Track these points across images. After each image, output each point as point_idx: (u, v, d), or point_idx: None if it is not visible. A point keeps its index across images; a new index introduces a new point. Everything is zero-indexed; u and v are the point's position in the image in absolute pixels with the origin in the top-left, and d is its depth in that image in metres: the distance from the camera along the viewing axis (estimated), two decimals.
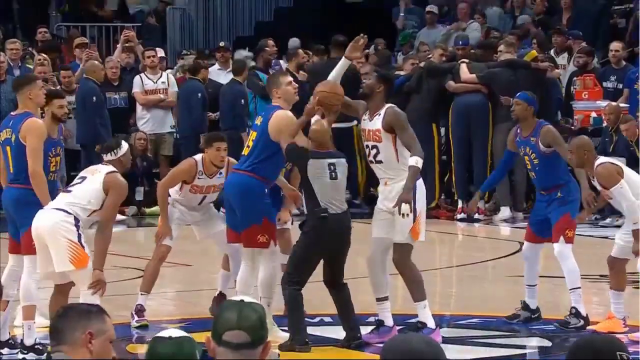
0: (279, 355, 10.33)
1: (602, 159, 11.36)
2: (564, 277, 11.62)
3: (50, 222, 10.18)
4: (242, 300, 4.67)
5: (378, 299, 11.15)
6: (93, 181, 10.38)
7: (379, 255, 11.09)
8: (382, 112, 11.07)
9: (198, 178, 11.60)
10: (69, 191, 10.39)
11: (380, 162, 11.07)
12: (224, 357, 4.54)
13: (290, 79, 11.47)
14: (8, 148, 10.72)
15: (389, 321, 11.09)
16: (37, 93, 10.88)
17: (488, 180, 13.08)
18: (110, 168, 10.50)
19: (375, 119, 11.06)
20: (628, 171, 11.27)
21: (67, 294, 10.44)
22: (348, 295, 10.75)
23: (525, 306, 11.79)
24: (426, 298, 11.02)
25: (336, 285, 10.83)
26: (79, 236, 10.19)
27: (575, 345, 5.02)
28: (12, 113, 11.02)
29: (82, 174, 10.63)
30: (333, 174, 10.65)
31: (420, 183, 11.08)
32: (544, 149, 11.54)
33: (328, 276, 10.82)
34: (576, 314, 11.59)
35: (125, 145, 10.82)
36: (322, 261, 10.75)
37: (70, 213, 10.22)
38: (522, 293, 11.80)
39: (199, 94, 18.84)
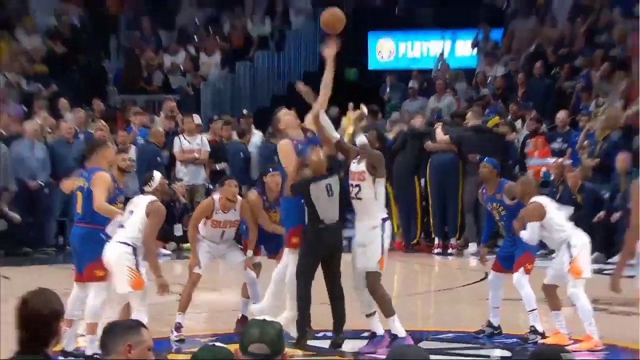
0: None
1: (538, 198, 11.43)
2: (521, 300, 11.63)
3: (114, 254, 10.30)
4: (264, 320, 4.69)
5: (367, 315, 11.14)
6: (138, 211, 10.44)
7: (361, 280, 11.11)
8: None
9: (216, 213, 11.55)
10: (123, 227, 10.46)
11: (360, 199, 11.11)
12: None
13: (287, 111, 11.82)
14: (79, 193, 10.74)
15: (380, 331, 11.09)
16: (109, 152, 10.97)
17: (484, 235, 13.01)
18: (150, 197, 10.55)
19: (361, 162, 11.15)
20: (552, 214, 11.32)
21: (129, 310, 10.48)
22: (342, 302, 10.90)
23: (489, 324, 11.79)
24: (395, 313, 11.04)
25: (334, 297, 10.90)
26: (136, 263, 10.25)
27: (532, 353, 5.06)
28: (86, 166, 11.05)
29: (129, 207, 10.66)
30: (330, 192, 10.78)
31: (387, 224, 11.17)
32: (509, 202, 11.61)
33: (328, 284, 10.91)
34: (534, 331, 11.57)
35: (157, 176, 10.90)
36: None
37: (129, 244, 10.29)
38: (488, 313, 11.80)
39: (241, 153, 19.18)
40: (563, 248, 11.22)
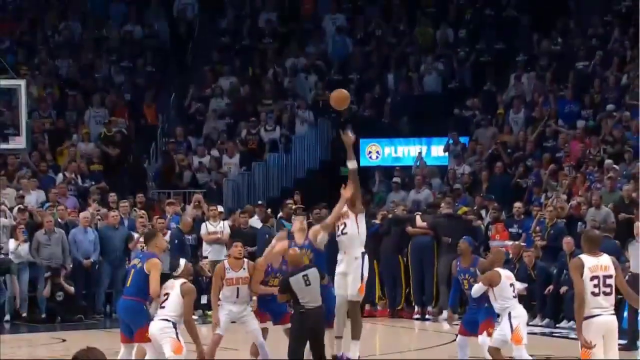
0: None
1: (500, 269, 11.48)
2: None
3: (158, 329, 10.40)
4: None
5: (337, 337, 11.12)
6: (174, 294, 10.44)
7: (343, 306, 11.13)
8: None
9: (228, 272, 11.50)
10: (164, 307, 10.47)
11: (345, 234, 11.14)
12: None
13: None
14: (132, 270, 10.76)
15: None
16: (161, 242, 11.07)
17: (452, 300, 12.96)
18: (182, 280, 10.57)
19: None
20: (503, 286, 11.32)
21: None
22: None
23: None
24: (360, 338, 11.02)
25: (317, 357, 10.75)
26: (177, 334, 10.29)
27: None
28: (144, 250, 11.17)
29: (164, 290, 10.62)
30: (307, 282, 10.61)
31: (366, 257, 11.22)
32: (479, 274, 11.64)
33: (314, 355, 10.73)
34: None
35: (182, 262, 10.93)
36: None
37: (169, 320, 10.32)
38: None
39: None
40: (505, 318, 11.19)
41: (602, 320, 9.06)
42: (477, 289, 11.37)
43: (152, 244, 10.89)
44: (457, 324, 12.34)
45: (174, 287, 10.51)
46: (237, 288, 11.49)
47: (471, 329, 11.73)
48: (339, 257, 11.31)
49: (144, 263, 10.61)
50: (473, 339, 11.66)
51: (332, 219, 11.50)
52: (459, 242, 12.35)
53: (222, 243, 19.02)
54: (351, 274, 11.04)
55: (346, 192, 11.56)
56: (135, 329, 10.56)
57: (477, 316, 11.66)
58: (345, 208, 11.29)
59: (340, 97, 11.95)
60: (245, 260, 11.64)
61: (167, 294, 10.51)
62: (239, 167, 24.37)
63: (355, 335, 11.09)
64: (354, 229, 11.22)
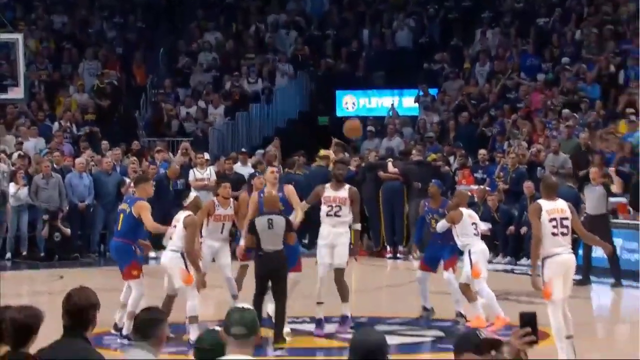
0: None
1: (464, 209, 11.49)
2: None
3: (168, 259, 10.53)
4: (243, 307, 4.58)
5: (319, 302, 11.03)
6: (179, 226, 10.50)
7: (327, 275, 11.11)
8: (347, 187, 11.16)
9: (216, 209, 11.55)
10: (171, 238, 10.57)
11: (339, 216, 11.08)
12: (231, 344, 4.45)
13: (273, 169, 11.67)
14: (122, 215, 10.74)
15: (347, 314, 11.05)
16: (149, 187, 11.02)
17: (417, 237, 12.98)
18: (187, 212, 10.58)
19: (342, 191, 11.11)
20: (465, 224, 11.30)
21: (173, 300, 10.43)
22: (282, 308, 10.46)
23: (424, 308, 11.74)
24: (348, 299, 10.99)
25: (277, 312, 10.54)
26: (186, 264, 10.32)
27: (458, 335, 5.01)
28: (131, 195, 11.11)
29: (173, 222, 10.69)
30: (270, 225, 10.42)
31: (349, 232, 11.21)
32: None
33: (275, 298, 10.56)
34: (460, 315, 11.53)
35: (191, 195, 11.01)
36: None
37: (177, 251, 10.32)
38: (421, 302, 11.78)
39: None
40: (466, 255, 11.20)
41: (562, 259, 9.14)
42: (441, 225, 11.47)
43: (141, 187, 10.89)
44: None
45: (180, 219, 10.56)
46: (223, 224, 11.55)
47: (431, 264, 11.79)
48: (324, 231, 11.14)
49: (132, 207, 10.61)
50: (434, 274, 11.72)
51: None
52: (429, 185, 12.36)
53: (209, 189, 18.98)
54: (338, 245, 10.99)
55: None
56: (121, 267, 10.59)
57: (439, 253, 11.69)
58: (345, 194, 11.18)
59: (353, 127, 12.02)
60: (232, 200, 11.72)
61: (175, 225, 10.62)
62: (223, 117, 24.29)
63: (344, 298, 11.07)
64: (346, 214, 11.19)
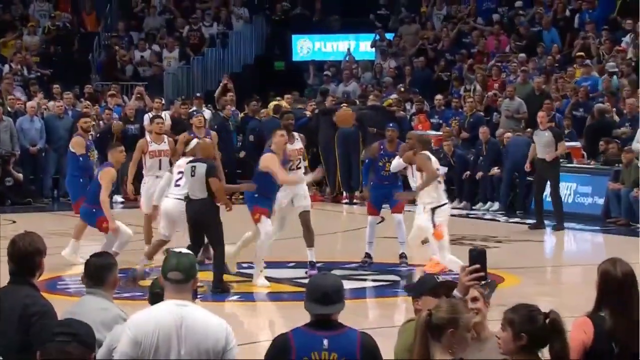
0: None
1: (426, 152, 11.14)
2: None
3: (173, 206, 10.76)
4: (180, 251, 4.50)
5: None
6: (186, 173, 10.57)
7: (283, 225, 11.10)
8: (297, 136, 11.15)
9: (150, 145, 11.73)
10: (178, 185, 10.53)
11: (299, 168, 11.07)
12: (168, 289, 4.38)
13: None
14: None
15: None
16: (117, 155, 11.14)
17: (365, 180, 12.87)
18: (188, 158, 10.69)
19: (295, 142, 11.08)
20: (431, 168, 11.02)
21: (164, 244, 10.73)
22: (217, 255, 10.37)
23: (367, 255, 11.75)
24: (314, 245, 10.99)
25: (212, 248, 10.47)
26: None
27: (416, 278, 5.00)
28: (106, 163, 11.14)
29: (178, 169, 10.93)
30: (192, 172, 10.29)
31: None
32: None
33: (210, 242, 10.49)
34: (405, 256, 11.56)
35: (193, 142, 11.00)
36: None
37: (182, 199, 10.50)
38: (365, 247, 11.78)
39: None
40: (429, 211, 10.65)
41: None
42: (396, 164, 11.39)
43: (110, 154, 10.96)
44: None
45: (181, 165, 10.56)
46: (160, 160, 11.51)
47: (378, 206, 11.86)
48: (282, 192, 11.04)
49: (100, 172, 10.72)
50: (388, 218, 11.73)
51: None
52: (388, 128, 12.29)
53: (164, 133, 18.80)
54: (300, 191, 10.98)
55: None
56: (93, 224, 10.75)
57: (385, 191, 11.61)
58: (300, 145, 11.12)
59: (345, 117, 11.83)
60: (166, 136, 11.79)
61: (180, 172, 10.54)
62: (178, 61, 24.02)
63: (310, 243, 11.04)
64: (304, 165, 11.22)
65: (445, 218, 10.67)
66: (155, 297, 4.76)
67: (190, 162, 10.43)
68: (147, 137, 12.02)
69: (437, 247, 10.55)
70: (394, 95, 19.82)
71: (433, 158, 10.97)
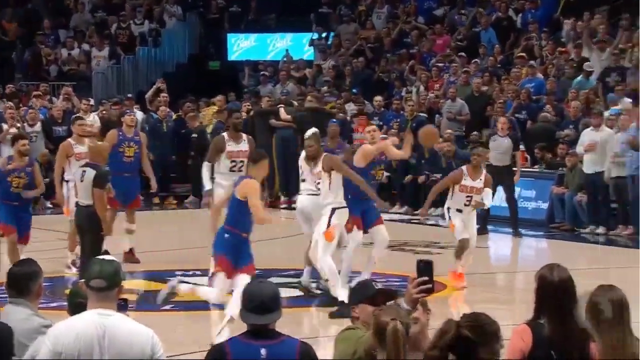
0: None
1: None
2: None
3: None
4: (103, 259, 4.49)
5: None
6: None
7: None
8: (244, 137, 11.13)
9: (74, 148, 11.88)
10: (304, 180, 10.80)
11: (241, 170, 11.07)
12: (91, 298, 4.37)
13: None
14: None
15: None
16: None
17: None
18: None
19: (242, 142, 11.10)
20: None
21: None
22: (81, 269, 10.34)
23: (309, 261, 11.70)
24: None
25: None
26: None
27: (353, 286, 5.03)
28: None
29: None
30: (82, 178, 10.30)
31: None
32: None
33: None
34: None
35: None
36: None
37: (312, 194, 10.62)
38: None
39: None
40: (329, 210, 10.26)
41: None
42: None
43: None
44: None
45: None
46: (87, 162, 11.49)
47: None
48: (227, 185, 11.03)
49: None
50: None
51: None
52: (330, 124, 12.34)
53: (93, 136, 18.64)
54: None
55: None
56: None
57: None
58: (247, 146, 11.17)
59: (429, 134, 11.53)
60: (88, 139, 11.98)
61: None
62: (108, 60, 23.82)
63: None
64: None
65: (342, 222, 10.32)
66: (77, 307, 4.71)
67: (83, 166, 10.43)
68: (71, 139, 11.95)
69: (321, 246, 10.14)
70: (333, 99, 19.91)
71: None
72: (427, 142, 12.09)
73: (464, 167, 11.42)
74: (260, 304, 4.38)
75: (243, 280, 8.27)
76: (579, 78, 18.02)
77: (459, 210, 11.28)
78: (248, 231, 8.65)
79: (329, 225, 10.10)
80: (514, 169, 15.16)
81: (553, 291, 4.54)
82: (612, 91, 17.25)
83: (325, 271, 10.02)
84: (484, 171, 11.53)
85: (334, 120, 12.65)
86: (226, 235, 8.60)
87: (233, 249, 8.59)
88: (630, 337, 4.52)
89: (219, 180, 11.13)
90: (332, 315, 9.65)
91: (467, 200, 11.26)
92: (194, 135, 18.70)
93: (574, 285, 4.61)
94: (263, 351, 4.32)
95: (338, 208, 10.19)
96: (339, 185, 10.17)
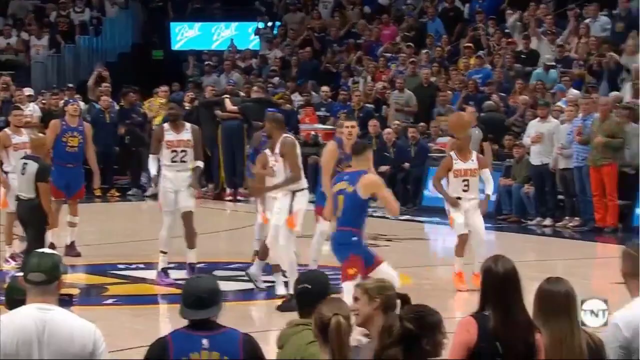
0: None
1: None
2: None
3: None
4: (43, 251, 4.47)
5: (162, 252, 10.96)
6: None
7: (173, 221, 11.00)
8: (188, 127, 10.97)
9: (12, 138, 11.76)
10: None
11: (185, 162, 11.00)
12: (30, 292, 4.34)
13: None
14: None
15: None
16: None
17: (249, 172, 12.77)
18: None
19: (183, 131, 11.03)
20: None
21: None
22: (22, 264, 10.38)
23: (256, 253, 11.71)
24: (195, 246, 10.91)
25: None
26: None
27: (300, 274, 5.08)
28: None
29: None
30: (23, 171, 10.23)
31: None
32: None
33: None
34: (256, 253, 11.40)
35: None
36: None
37: None
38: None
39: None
40: (288, 194, 10.07)
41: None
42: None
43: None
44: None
45: None
46: (25, 153, 11.37)
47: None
48: (169, 176, 10.96)
49: None
50: None
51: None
52: (268, 112, 12.27)
53: (32, 127, 18.45)
54: (184, 190, 10.88)
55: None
56: None
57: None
58: (188, 136, 11.07)
59: (459, 123, 11.09)
60: (26, 129, 12.04)
61: None
62: (47, 49, 23.57)
63: (191, 245, 10.97)
64: (192, 160, 11.16)
65: (303, 206, 10.12)
66: (15, 303, 4.64)
67: (24, 158, 10.34)
68: (7, 130, 11.85)
69: (282, 234, 9.94)
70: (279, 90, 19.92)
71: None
72: (458, 130, 11.29)
73: (451, 152, 11.05)
74: (197, 299, 4.44)
75: (384, 268, 8.50)
76: (538, 70, 18.12)
77: (459, 198, 10.85)
78: (361, 228, 8.64)
79: (291, 211, 9.94)
80: None
81: (498, 283, 4.59)
82: (559, 82, 17.44)
83: (284, 261, 9.94)
84: (475, 152, 11.22)
85: (272, 109, 12.60)
86: (354, 238, 8.54)
87: (363, 249, 8.70)
88: (576, 328, 4.60)
89: (164, 172, 11.06)
90: (281, 309, 9.65)
91: (465, 185, 10.85)
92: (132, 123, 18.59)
93: (519, 277, 4.66)
94: (204, 341, 4.40)
95: (297, 191, 10.07)
96: (299, 167, 10.02)
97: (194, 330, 4.44)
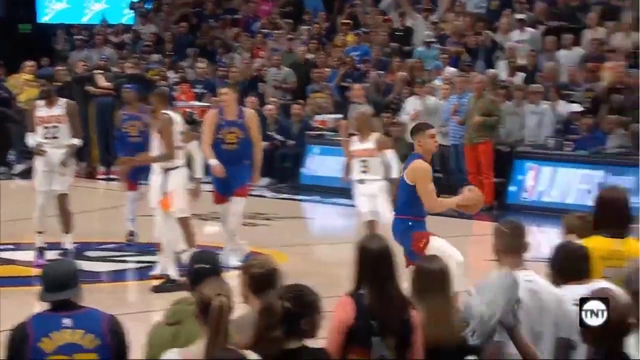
0: None
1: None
2: None
3: None
4: None
5: (39, 232, 10.81)
6: None
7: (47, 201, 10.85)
8: (62, 102, 10.91)
9: None
10: None
11: (57, 137, 10.86)
12: None
13: None
14: None
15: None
16: None
17: (120, 150, 12.66)
18: None
19: (55, 106, 10.86)
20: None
21: None
22: None
23: (131, 233, 11.69)
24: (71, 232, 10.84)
25: None
26: None
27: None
28: None
29: None
30: None
31: None
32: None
33: None
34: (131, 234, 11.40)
35: None
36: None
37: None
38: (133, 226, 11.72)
39: None
40: (161, 173, 9.87)
41: None
42: None
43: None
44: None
45: None
46: None
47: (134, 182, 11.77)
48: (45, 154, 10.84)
49: None
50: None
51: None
52: (124, 89, 12.27)
53: None
54: (57, 168, 10.72)
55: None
56: None
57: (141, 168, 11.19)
58: (61, 111, 10.85)
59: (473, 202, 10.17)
60: None
61: None
62: None
63: (67, 229, 10.83)
64: (66, 137, 10.96)
65: (179, 184, 9.87)
66: None
67: None
68: None
69: (159, 215, 9.82)
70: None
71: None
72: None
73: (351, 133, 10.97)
74: (53, 281, 4.55)
75: (435, 242, 8.02)
76: (420, 48, 18.37)
77: (361, 182, 10.70)
78: (423, 215, 7.98)
79: (165, 193, 9.80)
80: None
81: (372, 260, 4.69)
82: (436, 60, 17.75)
83: (163, 242, 9.86)
84: (377, 133, 11.07)
85: (129, 85, 12.56)
86: (414, 230, 7.86)
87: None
88: (450, 305, 4.76)
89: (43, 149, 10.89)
90: (156, 289, 9.62)
91: (364, 167, 10.66)
92: None
93: (393, 254, 4.78)
94: (66, 320, 4.50)
95: (171, 169, 9.88)
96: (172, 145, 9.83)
97: (55, 312, 4.54)
